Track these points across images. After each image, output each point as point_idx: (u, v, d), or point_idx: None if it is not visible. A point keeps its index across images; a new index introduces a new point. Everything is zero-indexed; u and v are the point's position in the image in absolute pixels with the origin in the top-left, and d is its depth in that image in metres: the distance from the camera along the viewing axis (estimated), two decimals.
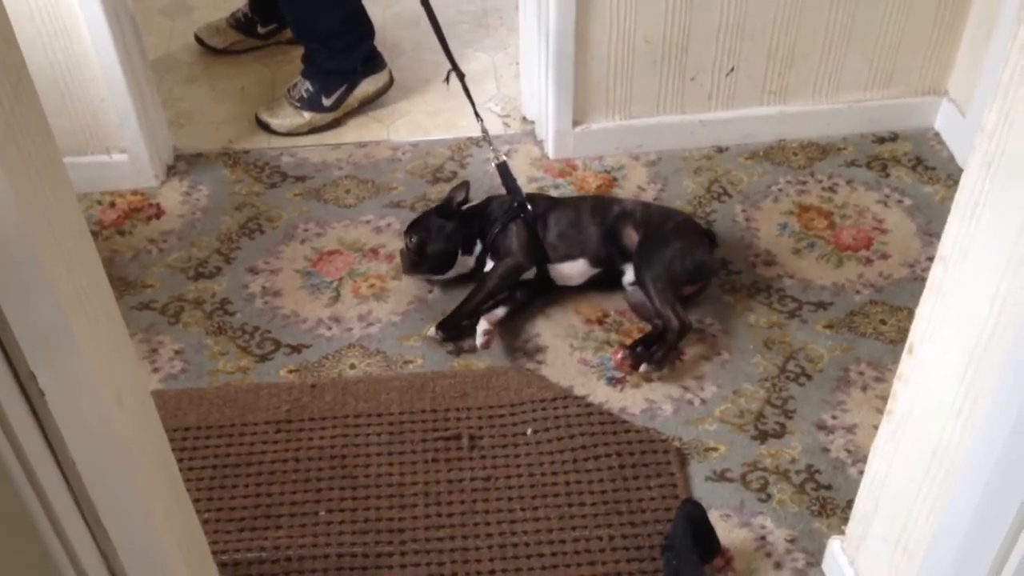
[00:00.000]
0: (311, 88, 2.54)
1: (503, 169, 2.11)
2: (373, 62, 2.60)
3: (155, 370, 1.98)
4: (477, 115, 2.19)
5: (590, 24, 2.27)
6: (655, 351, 1.91)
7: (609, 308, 2.08)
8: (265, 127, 2.57)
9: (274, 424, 1.87)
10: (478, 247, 2.09)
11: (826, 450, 1.81)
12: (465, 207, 2.11)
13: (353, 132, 2.59)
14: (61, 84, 2.22)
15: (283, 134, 2.56)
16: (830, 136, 2.50)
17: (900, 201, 2.32)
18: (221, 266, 2.21)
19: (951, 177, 2.36)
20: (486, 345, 1.96)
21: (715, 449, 1.82)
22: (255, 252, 2.25)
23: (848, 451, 1.81)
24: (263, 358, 2.01)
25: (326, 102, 2.55)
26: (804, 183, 2.38)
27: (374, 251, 2.24)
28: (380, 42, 2.67)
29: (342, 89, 2.56)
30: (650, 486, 1.74)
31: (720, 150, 2.48)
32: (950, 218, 1.16)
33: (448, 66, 2.19)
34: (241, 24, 2.83)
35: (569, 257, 2.04)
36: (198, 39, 2.85)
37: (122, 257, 2.23)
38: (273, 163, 2.48)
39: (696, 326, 2.01)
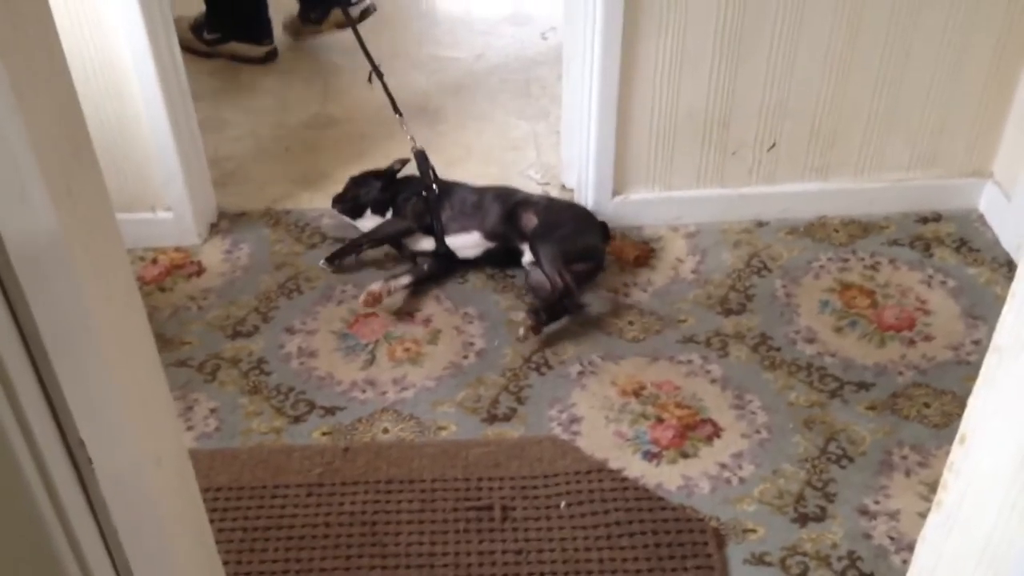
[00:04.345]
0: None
1: (420, 156, 2.38)
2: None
3: (189, 428, 1.98)
4: (396, 110, 2.43)
5: (633, 97, 2.29)
6: (544, 311, 2.15)
7: (646, 381, 2.06)
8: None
9: (306, 487, 1.86)
10: (388, 213, 2.39)
11: (868, 536, 1.77)
12: (396, 178, 2.43)
13: None
14: (110, 142, 2.26)
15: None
16: (872, 214, 2.48)
17: (944, 282, 2.29)
18: (259, 325, 2.22)
19: (995, 260, 2.33)
20: (366, 302, 2.19)
21: (754, 531, 1.78)
22: (293, 312, 2.25)
23: (891, 538, 1.76)
24: (297, 419, 2.00)
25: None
26: (846, 260, 2.36)
27: (410, 314, 2.24)
28: (423, 107, 2.71)
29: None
30: (686, 567, 1.70)
31: (760, 224, 2.47)
32: (1006, 308, 1.13)
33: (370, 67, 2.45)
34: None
35: (464, 230, 2.31)
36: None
37: (161, 314, 2.25)
38: (314, 224, 2.51)
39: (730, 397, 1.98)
